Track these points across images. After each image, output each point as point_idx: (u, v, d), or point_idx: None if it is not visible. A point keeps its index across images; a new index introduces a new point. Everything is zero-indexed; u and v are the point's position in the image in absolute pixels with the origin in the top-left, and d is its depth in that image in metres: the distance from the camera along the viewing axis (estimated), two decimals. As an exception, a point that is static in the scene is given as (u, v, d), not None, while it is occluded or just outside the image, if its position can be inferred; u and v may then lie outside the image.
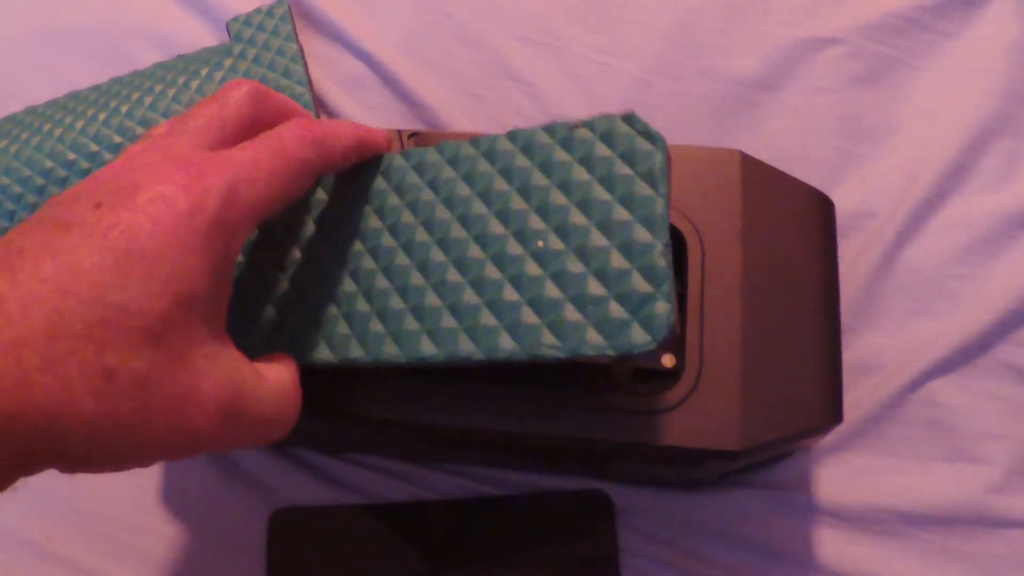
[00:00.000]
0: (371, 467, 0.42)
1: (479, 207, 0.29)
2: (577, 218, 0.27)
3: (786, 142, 0.47)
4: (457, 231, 0.29)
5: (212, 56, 0.50)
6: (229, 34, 0.51)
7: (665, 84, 0.49)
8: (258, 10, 0.51)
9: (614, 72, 0.49)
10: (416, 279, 0.29)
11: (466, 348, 0.27)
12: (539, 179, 0.28)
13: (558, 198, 0.27)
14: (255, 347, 0.30)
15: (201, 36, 0.53)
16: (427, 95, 0.49)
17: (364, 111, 0.50)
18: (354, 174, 0.32)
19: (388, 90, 0.50)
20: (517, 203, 0.28)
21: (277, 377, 0.27)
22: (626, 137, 0.27)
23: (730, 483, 0.41)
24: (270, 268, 0.32)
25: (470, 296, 0.27)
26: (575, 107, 0.49)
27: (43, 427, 0.20)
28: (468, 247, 0.28)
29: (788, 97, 0.48)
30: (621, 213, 0.26)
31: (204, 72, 0.49)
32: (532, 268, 0.27)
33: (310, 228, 0.32)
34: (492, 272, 0.27)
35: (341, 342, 0.29)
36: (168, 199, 0.23)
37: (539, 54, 0.50)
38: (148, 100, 0.48)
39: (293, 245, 0.32)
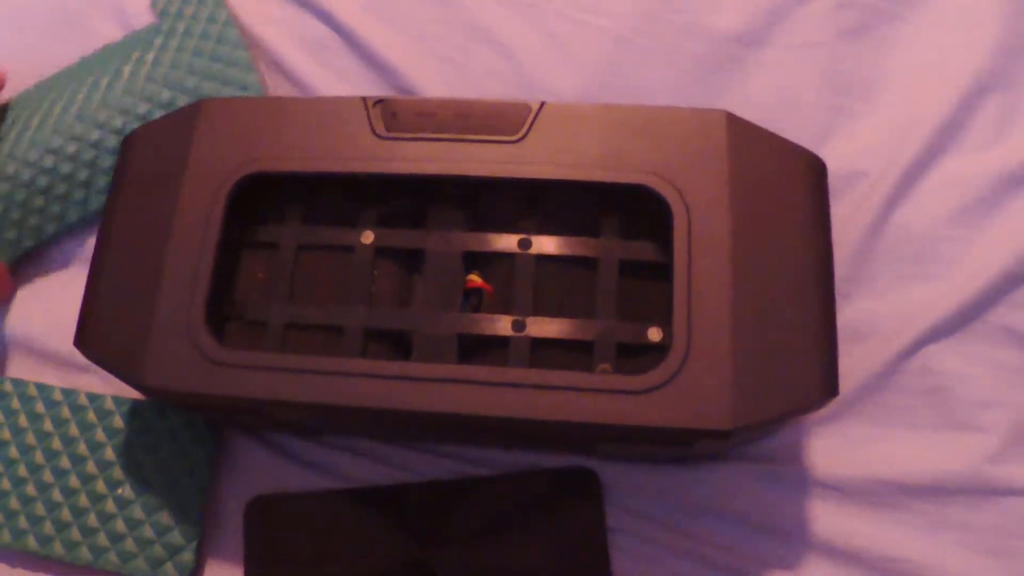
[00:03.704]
0: (350, 450, 0.41)
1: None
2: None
3: (773, 99, 0.45)
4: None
5: (140, 38, 0.48)
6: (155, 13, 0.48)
7: (646, 42, 0.47)
8: None
9: (592, 30, 0.47)
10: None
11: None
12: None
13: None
14: None
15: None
16: (394, 58, 0.47)
17: (328, 75, 0.47)
18: None
19: (353, 52, 0.48)
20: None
21: None
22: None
23: (722, 457, 0.39)
24: None
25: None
26: (552, 68, 0.47)
27: None
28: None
29: (774, 52, 0.46)
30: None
31: (135, 56, 0.47)
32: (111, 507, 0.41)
33: None
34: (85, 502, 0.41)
35: None
36: None
37: (513, 13, 0.48)
38: (81, 96, 0.46)
39: None
